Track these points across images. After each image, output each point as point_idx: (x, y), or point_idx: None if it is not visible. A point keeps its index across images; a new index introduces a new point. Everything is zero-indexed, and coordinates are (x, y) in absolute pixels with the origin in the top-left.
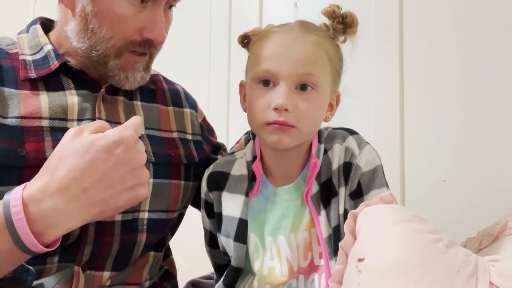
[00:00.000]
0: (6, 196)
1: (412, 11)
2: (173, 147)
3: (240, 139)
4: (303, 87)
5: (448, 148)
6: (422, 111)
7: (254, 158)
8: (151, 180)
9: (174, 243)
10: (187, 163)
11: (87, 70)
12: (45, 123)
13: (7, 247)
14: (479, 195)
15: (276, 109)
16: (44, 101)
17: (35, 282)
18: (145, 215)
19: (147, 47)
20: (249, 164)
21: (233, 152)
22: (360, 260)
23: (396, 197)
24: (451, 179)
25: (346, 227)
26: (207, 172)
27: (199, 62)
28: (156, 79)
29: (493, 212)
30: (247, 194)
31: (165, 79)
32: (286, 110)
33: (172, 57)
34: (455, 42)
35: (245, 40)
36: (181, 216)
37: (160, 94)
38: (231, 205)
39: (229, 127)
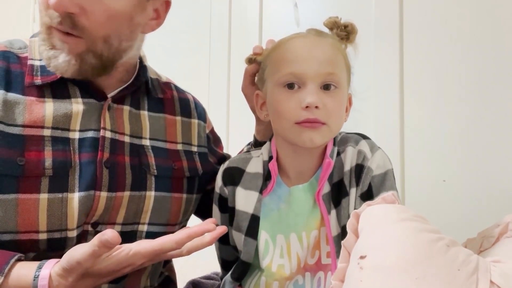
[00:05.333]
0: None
1: (412, 12)
2: (176, 160)
3: (243, 150)
4: (326, 86)
5: (448, 148)
6: (422, 111)
7: (270, 158)
8: (153, 193)
9: None
10: (190, 176)
11: (93, 79)
12: (47, 132)
13: None
14: (479, 195)
15: (307, 107)
16: (49, 109)
17: None
18: (144, 228)
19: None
20: (265, 163)
21: (248, 151)
22: (362, 257)
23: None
24: (451, 179)
25: (349, 226)
26: (222, 167)
27: (199, 62)
28: (166, 87)
29: (493, 212)
30: (261, 192)
31: (176, 87)
32: (316, 107)
33: (172, 57)
34: (455, 43)
35: (254, 61)
36: (183, 227)
37: (169, 103)
38: (245, 200)
39: (229, 127)
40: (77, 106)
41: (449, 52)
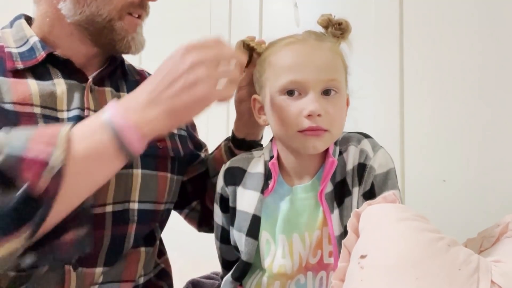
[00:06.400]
0: (112, 128)
1: (412, 11)
2: (161, 139)
3: (220, 145)
4: (326, 92)
5: (448, 148)
6: (422, 111)
7: (272, 158)
8: (140, 171)
9: (174, 244)
10: (174, 156)
11: (74, 59)
12: (37, 110)
13: (117, 163)
14: (479, 195)
15: (309, 115)
16: (34, 88)
17: (25, 286)
18: (135, 206)
19: (142, 8)
20: (267, 163)
21: (250, 151)
22: (362, 257)
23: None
24: (451, 179)
25: (349, 225)
26: (224, 167)
27: None
28: (142, 72)
29: (493, 212)
30: (262, 192)
31: (150, 74)
32: (319, 115)
33: None
34: (455, 42)
35: (246, 46)
36: (168, 212)
37: None
38: (246, 200)
39: (229, 126)
40: (60, 87)
41: (449, 52)
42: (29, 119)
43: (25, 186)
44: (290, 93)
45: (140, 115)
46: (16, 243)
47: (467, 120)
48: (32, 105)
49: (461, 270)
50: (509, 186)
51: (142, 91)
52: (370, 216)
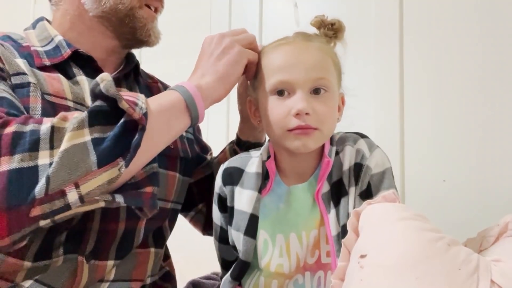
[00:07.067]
0: (180, 89)
1: (412, 11)
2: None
3: (225, 148)
4: (316, 91)
5: (448, 148)
6: (422, 111)
7: (269, 157)
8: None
9: (175, 244)
10: (183, 157)
11: (95, 54)
12: (70, 104)
13: (185, 122)
14: (479, 195)
15: (297, 114)
16: (65, 83)
17: (39, 277)
18: None
19: (158, 1)
20: (264, 163)
21: (248, 151)
22: (362, 256)
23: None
24: (451, 179)
25: (349, 225)
26: (222, 167)
27: None
28: (153, 76)
29: (493, 212)
30: (259, 191)
31: (159, 80)
32: (307, 114)
33: (172, 57)
34: (455, 42)
35: None
36: (175, 212)
37: (156, 89)
38: (244, 200)
39: (229, 127)
40: (83, 84)
41: (449, 52)
42: (65, 111)
43: (125, 113)
44: (280, 93)
45: (198, 82)
46: (113, 172)
47: (467, 120)
48: (66, 99)
49: (461, 270)
50: (509, 186)
51: (195, 70)
52: (370, 216)
